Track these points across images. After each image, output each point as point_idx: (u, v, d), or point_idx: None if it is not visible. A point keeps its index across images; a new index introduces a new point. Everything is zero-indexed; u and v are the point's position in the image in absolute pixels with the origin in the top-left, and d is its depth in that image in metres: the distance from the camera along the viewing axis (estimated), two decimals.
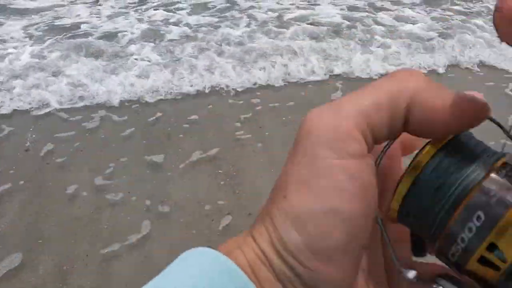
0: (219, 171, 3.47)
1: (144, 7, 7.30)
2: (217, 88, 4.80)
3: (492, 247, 0.33)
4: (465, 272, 0.36)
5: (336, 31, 6.19)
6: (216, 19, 6.64)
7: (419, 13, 7.05)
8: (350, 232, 0.33)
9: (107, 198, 3.09)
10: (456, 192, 0.35)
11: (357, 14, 6.91)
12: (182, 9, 7.12)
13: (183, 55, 5.32)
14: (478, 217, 0.34)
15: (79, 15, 6.93)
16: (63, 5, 7.44)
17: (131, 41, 5.76)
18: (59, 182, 3.24)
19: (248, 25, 6.37)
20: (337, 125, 0.34)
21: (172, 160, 3.64)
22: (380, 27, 6.39)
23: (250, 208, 2.91)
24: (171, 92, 4.66)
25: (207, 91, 4.77)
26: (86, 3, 7.52)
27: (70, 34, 6.05)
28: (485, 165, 0.36)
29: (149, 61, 5.25)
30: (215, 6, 7.29)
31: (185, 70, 4.97)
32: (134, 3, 7.51)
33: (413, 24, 6.54)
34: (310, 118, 0.35)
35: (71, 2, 7.63)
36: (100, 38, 5.90)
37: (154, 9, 7.12)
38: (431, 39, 5.99)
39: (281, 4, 7.36)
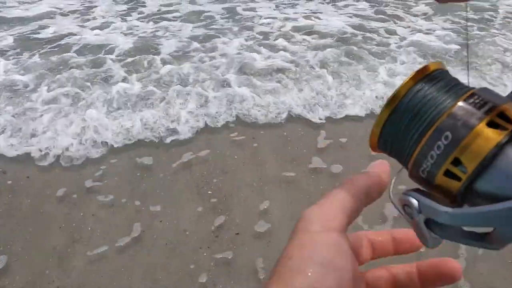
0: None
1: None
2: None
3: (456, 162, 0.42)
4: (433, 188, 0.45)
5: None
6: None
7: None
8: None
9: None
10: (429, 117, 0.44)
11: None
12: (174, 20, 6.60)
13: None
14: (446, 137, 0.42)
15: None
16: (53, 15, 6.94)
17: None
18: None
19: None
20: (325, 221, 0.47)
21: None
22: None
23: None
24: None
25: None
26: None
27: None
28: (456, 95, 0.45)
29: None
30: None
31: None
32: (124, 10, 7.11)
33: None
34: (303, 214, 0.49)
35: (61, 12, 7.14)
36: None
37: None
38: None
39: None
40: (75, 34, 5.92)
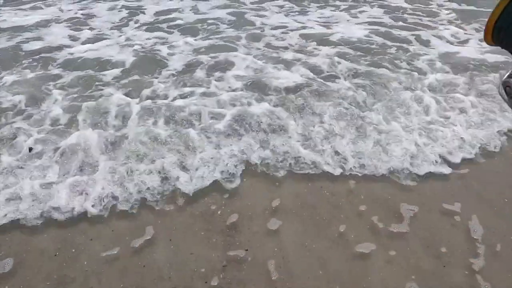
0: None
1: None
2: None
3: None
4: None
5: None
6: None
7: None
8: None
9: None
10: None
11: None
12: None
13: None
14: None
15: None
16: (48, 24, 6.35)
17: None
18: None
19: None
20: None
21: None
22: None
23: None
24: None
25: None
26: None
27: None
28: None
29: None
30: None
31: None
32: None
33: None
34: None
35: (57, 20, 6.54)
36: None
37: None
38: None
39: None
40: (69, 47, 5.33)
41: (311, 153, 3.18)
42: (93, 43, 5.42)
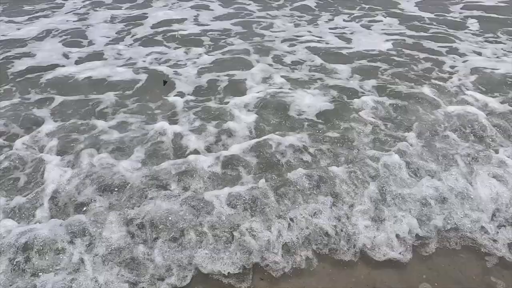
0: None
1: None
2: None
3: None
4: None
5: None
6: None
7: None
8: None
9: None
10: None
11: None
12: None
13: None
14: None
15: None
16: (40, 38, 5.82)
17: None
18: None
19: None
20: None
21: None
22: None
23: None
24: None
25: None
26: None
27: None
28: None
29: None
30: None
31: None
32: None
33: None
34: None
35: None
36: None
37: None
38: None
39: None
40: (62, 66, 4.79)
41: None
42: (89, 61, 4.88)
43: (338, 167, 2.84)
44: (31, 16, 7.05)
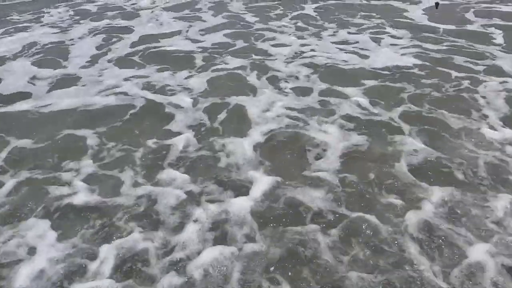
0: None
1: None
2: None
3: None
4: None
5: None
6: None
7: None
8: None
9: None
10: None
11: None
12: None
13: None
14: None
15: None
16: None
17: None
18: None
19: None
20: None
21: None
22: None
23: None
24: None
25: None
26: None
27: None
28: None
29: None
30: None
31: None
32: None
33: None
34: None
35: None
36: None
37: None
38: None
39: None
40: (28, 96, 3.97)
41: None
42: (60, 88, 4.06)
43: None
44: (14, 27, 6.26)
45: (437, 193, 2.45)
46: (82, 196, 2.52)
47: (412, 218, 2.28)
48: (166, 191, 2.54)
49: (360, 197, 2.45)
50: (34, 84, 4.17)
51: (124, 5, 7.47)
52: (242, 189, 2.54)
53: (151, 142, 3.06)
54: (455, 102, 3.56)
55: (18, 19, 6.74)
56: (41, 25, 6.37)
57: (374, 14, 6.37)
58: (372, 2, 7.12)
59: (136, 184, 2.62)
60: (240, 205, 2.39)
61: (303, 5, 7.05)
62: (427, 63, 4.43)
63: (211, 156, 2.89)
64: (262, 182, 2.57)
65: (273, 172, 2.69)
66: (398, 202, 2.40)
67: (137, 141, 3.09)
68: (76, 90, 4.01)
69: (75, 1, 7.85)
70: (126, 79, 4.22)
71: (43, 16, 6.86)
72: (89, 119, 3.42)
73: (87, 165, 2.80)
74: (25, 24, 6.41)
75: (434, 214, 2.30)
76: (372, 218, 2.27)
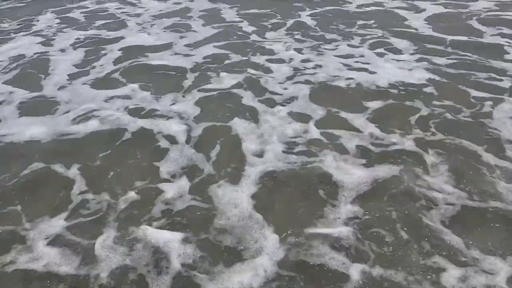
0: None
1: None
2: None
3: None
4: None
5: None
6: None
7: None
8: None
9: None
10: None
11: None
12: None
13: None
14: None
15: None
16: None
17: None
18: None
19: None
20: None
21: None
22: None
23: None
24: None
25: None
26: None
27: None
28: None
29: None
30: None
31: None
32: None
33: None
34: None
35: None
36: None
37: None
38: None
39: None
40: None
41: None
42: (30, 115, 3.54)
43: None
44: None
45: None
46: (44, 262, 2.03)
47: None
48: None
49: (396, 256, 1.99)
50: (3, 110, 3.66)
51: (114, 12, 6.95)
52: (242, 257, 2.07)
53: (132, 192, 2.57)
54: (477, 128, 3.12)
55: (5, 28, 6.29)
56: (25, 35, 5.90)
57: (373, 23, 5.91)
58: (368, 9, 6.66)
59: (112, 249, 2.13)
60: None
61: (300, 12, 6.58)
62: (440, 79, 3.99)
63: (204, 209, 2.41)
64: (267, 247, 2.10)
65: (279, 230, 2.21)
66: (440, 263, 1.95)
67: (116, 190, 2.60)
68: (48, 120, 3.48)
69: (64, 7, 7.34)
70: (107, 100, 3.72)
71: (28, 25, 6.37)
72: (60, 154, 2.92)
73: (54, 224, 2.31)
74: (12, 35, 5.95)
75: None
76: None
